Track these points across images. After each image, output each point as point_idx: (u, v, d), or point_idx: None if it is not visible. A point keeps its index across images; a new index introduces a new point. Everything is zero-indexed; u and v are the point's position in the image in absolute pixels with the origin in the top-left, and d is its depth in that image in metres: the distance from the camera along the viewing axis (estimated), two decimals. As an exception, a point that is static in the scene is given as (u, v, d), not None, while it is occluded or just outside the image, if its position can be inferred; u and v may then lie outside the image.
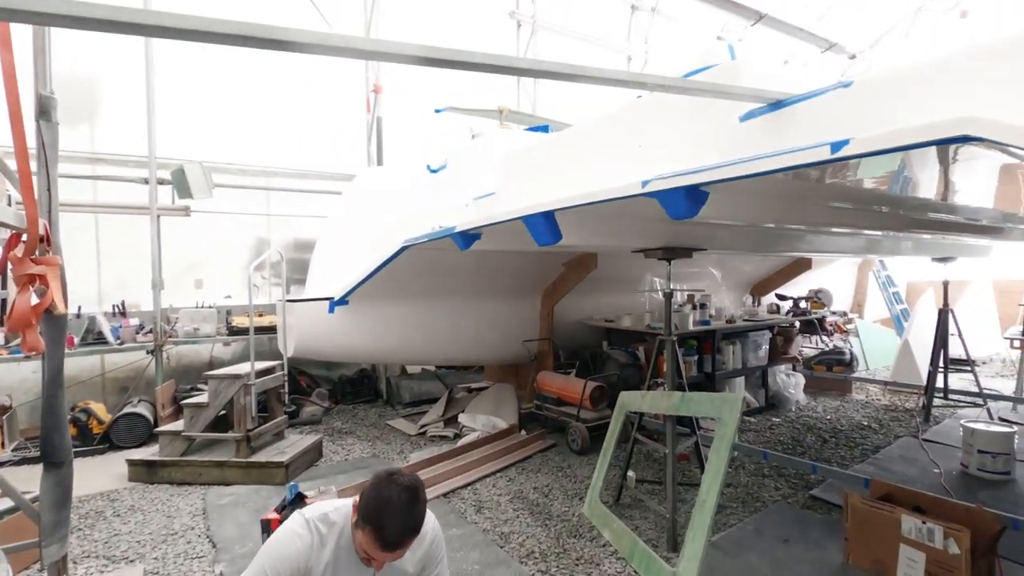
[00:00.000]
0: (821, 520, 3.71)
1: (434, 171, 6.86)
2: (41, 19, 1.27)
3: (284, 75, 7.68)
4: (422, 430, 5.87)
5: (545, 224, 3.04)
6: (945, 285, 6.06)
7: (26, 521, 2.95)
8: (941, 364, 6.05)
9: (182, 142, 6.79)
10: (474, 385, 7.02)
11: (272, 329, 6.18)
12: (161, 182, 6.29)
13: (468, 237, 3.90)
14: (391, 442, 5.61)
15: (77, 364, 6.10)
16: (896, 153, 1.68)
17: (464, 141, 6.65)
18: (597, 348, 6.38)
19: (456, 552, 3.33)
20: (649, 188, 2.31)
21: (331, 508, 1.69)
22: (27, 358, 5.32)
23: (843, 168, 2.47)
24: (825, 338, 8.48)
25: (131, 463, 4.70)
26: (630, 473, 4.06)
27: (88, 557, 3.37)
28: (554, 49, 10.70)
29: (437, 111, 7.82)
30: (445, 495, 4.22)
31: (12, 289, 2.75)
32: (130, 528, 3.76)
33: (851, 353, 7.71)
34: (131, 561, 3.32)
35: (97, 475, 4.75)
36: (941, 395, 6.19)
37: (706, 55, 3.42)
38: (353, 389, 7.44)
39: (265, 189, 7.74)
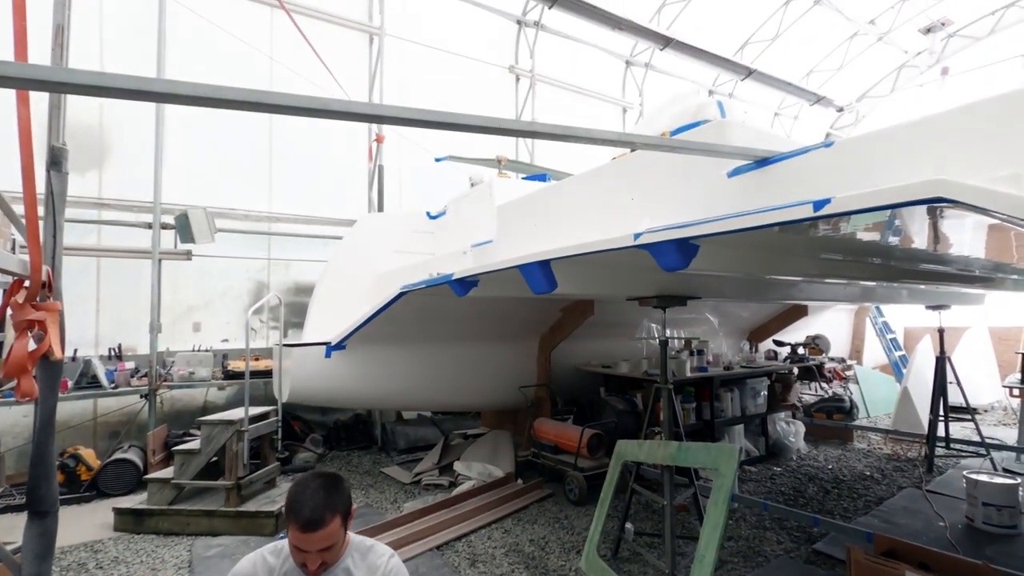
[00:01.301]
0: (825, 576, 3.61)
1: (433, 217, 7.01)
2: (66, 88, 1.34)
3: (288, 123, 7.94)
4: (417, 478, 5.75)
5: (541, 273, 3.09)
6: (941, 333, 6.07)
7: (6, 573, 2.87)
8: (941, 412, 6.00)
9: (186, 187, 6.94)
10: (470, 431, 6.92)
11: (268, 373, 6.15)
12: (165, 227, 6.39)
13: (465, 284, 3.95)
14: (384, 490, 5.49)
15: (69, 408, 6.03)
16: (879, 211, 1.75)
17: (463, 189, 6.81)
18: (594, 394, 6.33)
19: (448, 609, 3.22)
20: (641, 240, 2.37)
21: (271, 546, 1.72)
22: (18, 403, 5.27)
23: (833, 221, 2.54)
24: (824, 385, 8.43)
25: (118, 512, 4.58)
26: (628, 525, 3.96)
27: (67, 613, 3.25)
28: (552, 100, 11.09)
29: (437, 160, 8.03)
30: (439, 547, 4.11)
31: (10, 334, 2.77)
32: (112, 582, 3.64)
33: (851, 400, 7.66)
34: (111, 617, 3.20)
35: (82, 524, 4.62)
36: (943, 444, 6.11)
37: (696, 111, 3.57)
38: (348, 435, 7.33)
39: (267, 234, 7.85)
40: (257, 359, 6.65)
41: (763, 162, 2.38)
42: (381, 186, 8.33)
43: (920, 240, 2.94)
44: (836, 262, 3.46)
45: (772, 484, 5.55)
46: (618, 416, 5.59)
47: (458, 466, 5.70)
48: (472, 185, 6.68)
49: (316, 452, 6.65)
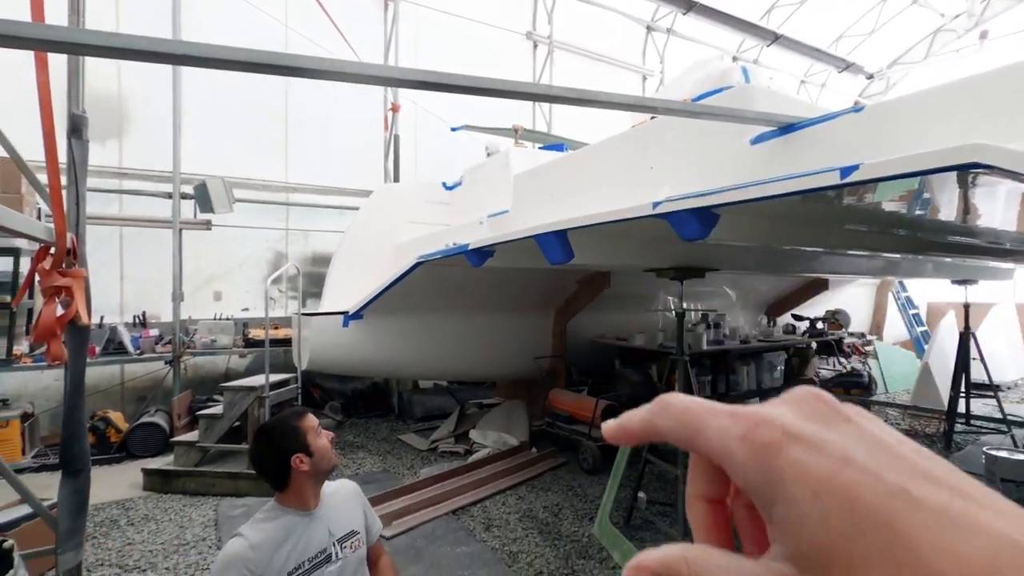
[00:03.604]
0: (837, 547, 3.63)
1: (449, 188, 6.97)
2: (82, 50, 1.34)
3: (303, 94, 7.90)
4: (433, 445, 5.87)
5: (558, 243, 3.07)
6: (966, 308, 5.94)
7: (43, 527, 3.01)
8: (963, 389, 5.92)
9: (205, 157, 6.98)
10: (486, 401, 7.01)
11: (287, 342, 6.26)
12: (184, 196, 6.45)
13: (481, 254, 3.94)
14: (402, 457, 5.62)
15: (97, 373, 6.22)
16: (909, 178, 1.69)
17: (479, 159, 6.74)
18: (609, 366, 6.34)
19: (464, 570, 3.32)
20: (660, 209, 2.33)
21: (251, 520, 1.76)
22: (49, 367, 5.45)
23: (858, 190, 2.47)
24: (843, 360, 8.34)
25: (146, 472, 4.77)
26: (641, 494, 4.01)
27: (102, 565, 3.42)
28: (570, 68, 10.84)
29: (453, 129, 7.94)
30: (454, 512, 4.21)
31: (39, 300, 2.85)
32: (143, 537, 3.81)
33: (869, 376, 7.58)
34: (143, 570, 3.35)
35: (114, 483, 4.82)
36: (963, 421, 6.04)
37: (720, 77, 3.46)
38: (365, 403, 7.48)
39: (284, 204, 7.89)
40: (276, 328, 6.76)
41: (788, 128, 2.30)
42: (397, 156, 8.27)
43: (949, 211, 2.85)
44: (860, 233, 3.37)
45: (786, 457, 5.55)
46: (633, 388, 5.60)
47: (473, 434, 5.79)
48: (488, 155, 6.61)
49: (335, 419, 6.81)
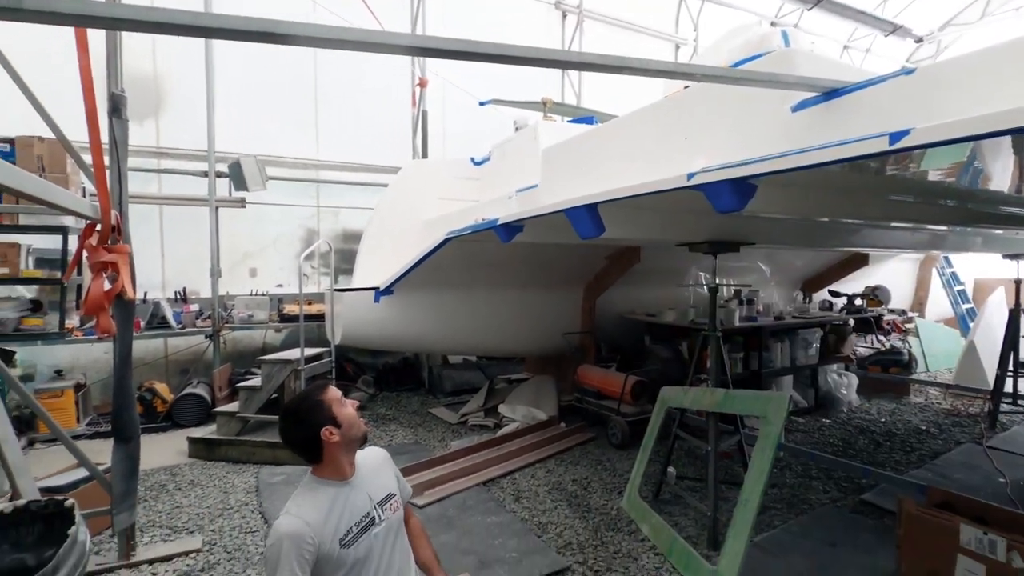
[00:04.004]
0: (872, 526, 3.58)
1: (478, 163, 6.93)
2: (118, 24, 1.36)
3: (334, 71, 7.92)
4: (463, 419, 5.97)
5: (588, 217, 3.03)
6: (1017, 284, 5.67)
7: (99, 490, 3.19)
8: (1011, 367, 5.69)
9: (239, 136, 7.10)
10: (514, 376, 7.07)
11: (320, 317, 6.40)
12: (219, 175, 6.59)
13: (511, 229, 3.93)
14: (432, 429, 5.73)
15: (143, 347, 6.49)
16: (963, 144, 1.60)
17: (508, 134, 6.67)
18: (639, 342, 6.30)
19: (495, 539, 3.39)
20: (695, 181, 2.27)
21: (292, 496, 1.78)
22: (99, 340, 5.70)
23: (905, 159, 2.35)
24: (882, 338, 8.09)
25: (191, 440, 4.99)
26: (670, 469, 4.01)
27: (153, 526, 3.61)
28: (600, 38, 10.55)
29: (481, 104, 7.86)
30: (485, 483, 4.29)
31: (87, 276, 2.97)
32: (190, 501, 4.00)
33: (910, 354, 7.34)
34: (191, 532, 3.53)
35: (161, 450, 5.06)
36: (1010, 400, 5.82)
37: (759, 42, 3.31)
38: (396, 377, 7.62)
39: (315, 182, 8.00)
40: (310, 303, 6.91)
41: (832, 94, 2.19)
42: (425, 132, 8.25)
43: (1003, 180, 2.70)
44: (905, 204, 3.23)
45: (820, 435, 5.46)
46: (663, 364, 5.56)
47: (503, 408, 5.86)
48: (517, 129, 6.53)
49: (368, 392, 6.97)
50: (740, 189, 2.10)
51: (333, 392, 1.83)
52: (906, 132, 1.57)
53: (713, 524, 3.31)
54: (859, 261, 7.61)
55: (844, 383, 6.49)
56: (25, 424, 5.34)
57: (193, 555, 3.25)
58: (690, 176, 2.29)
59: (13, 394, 5.19)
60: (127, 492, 3.07)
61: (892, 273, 8.87)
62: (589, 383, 5.69)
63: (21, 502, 1.58)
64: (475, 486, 4.22)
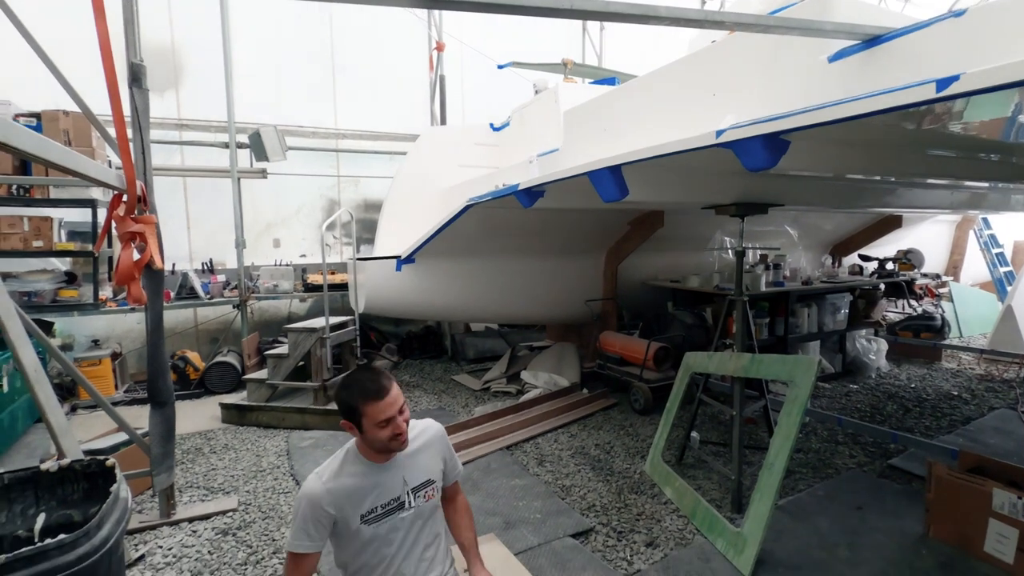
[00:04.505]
0: (899, 490, 3.54)
1: (497, 129, 6.82)
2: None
3: (350, 38, 7.80)
4: (486, 386, 6.03)
5: (611, 179, 2.96)
6: (1061, 244, 5.43)
7: (138, 453, 3.32)
8: (1050, 332, 5.50)
9: (258, 106, 7.10)
10: (536, 344, 7.09)
11: (344, 286, 6.47)
12: (240, 146, 6.61)
13: (532, 194, 3.87)
14: (456, 395, 5.81)
15: (173, 316, 6.67)
16: (1013, 91, 1.50)
17: (527, 98, 6.52)
18: (662, 309, 6.24)
19: (519, 501, 3.45)
20: (724, 138, 2.19)
21: (331, 457, 1.79)
22: (132, 310, 5.87)
23: (947, 111, 2.23)
24: (913, 302, 7.87)
25: (223, 406, 5.15)
26: (694, 434, 4.01)
27: (191, 487, 3.76)
28: (622, -4, 10.15)
29: (500, 67, 7.68)
30: (508, 447, 4.35)
31: (117, 248, 3.02)
32: (225, 464, 4.15)
33: (942, 319, 7.13)
34: (227, 492, 3.67)
35: (195, 416, 5.24)
36: (1047, 365, 5.65)
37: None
38: (420, 345, 7.72)
39: (334, 151, 7.98)
40: (333, 273, 6.99)
41: (873, 41, 2.07)
42: (443, 98, 8.12)
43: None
44: (945, 160, 3.08)
45: (847, 400, 5.39)
46: (686, 330, 5.51)
47: (525, 375, 5.90)
48: (536, 92, 6.38)
49: (391, 360, 7.08)
50: (772, 145, 2.02)
51: (377, 408, 1.65)
52: (955, 78, 1.47)
53: (737, 488, 3.31)
54: (892, 223, 7.36)
55: (873, 348, 6.37)
56: (67, 391, 5.57)
57: (230, 514, 3.38)
58: (719, 133, 2.20)
59: (54, 362, 5.40)
60: (165, 454, 3.19)
61: (926, 236, 8.57)
62: (611, 349, 5.68)
63: (66, 461, 1.64)
64: (498, 450, 4.28)
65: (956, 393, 5.55)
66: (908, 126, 2.20)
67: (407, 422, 1.74)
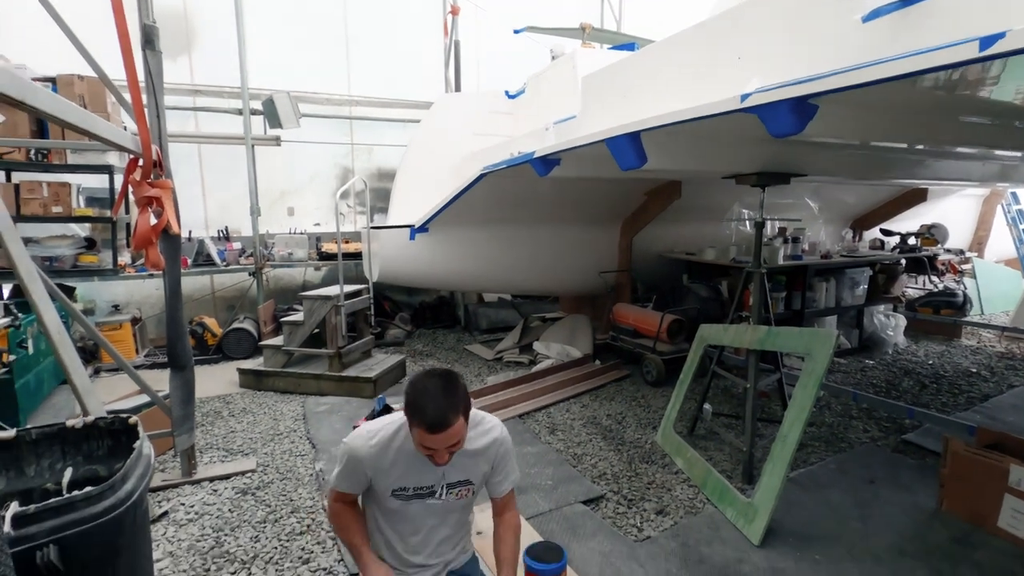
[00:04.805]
0: (913, 465, 3.53)
1: (512, 96, 6.69)
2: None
3: (364, 2, 7.66)
4: (498, 355, 6.07)
5: (630, 147, 2.89)
6: (1094, 220, 5.25)
7: (160, 415, 3.40)
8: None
9: (271, 72, 7.03)
10: (549, 315, 7.09)
11: (358, 255, 6.49)
12: (254, 112, 6.57)
13: (547, 163, 3.81)
14: (469, 365, 5.86)
15: (190, 283, 6.75)
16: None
17: (544, 64, 6.36)
18: (676, 282, 6.19)
19: (531, 468, 3.50)
20: (749, 103, 2.11)
21: (389, 419, 1.77)
22: (150, 276, 5.94)
23: (987, 73, 2.13)
24: (935, 278, 7.72)
25: (241, 371, 5.24)
26: (706, 406, 4.01)
27: (211, 448, 3.86)
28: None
29: (516, 32, 7.49)
30: (520, 416, 4.40)
31: (135, 214, 3.04)
32: (243, 427, 4.25)
33: (964, 295, 7.00)
34: (246, 454, 3.76)
35: (214, 380, 5.35)
36: (1071, 344, 5.54)
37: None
38: (433, 315, 7.76)
39: (348, 118, 7.90)
40: (347, 242, 7.00)
41: None
42: (458, 64, 7.95)
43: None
44: (979, 128, 2.96)
45: (863, 376, 5.34)
46: (701, 303, 5.46)
47: (537, 346, 5.92)
48: (553, 59, 6.23)
49: (405, 329, 7.13)
50: (800, 109, 1.95)
51: (429, 437, 1.53)
52: (1000, 35, 1.39)
53: (749, 459, 3.32)
54: (917, 197, 7.15)
55: (891, 324, 6.28)
56: (89, 355, 5.70)
57: (249, 474, 3.47)
58: (744, 97, 2.13)
59: (77, 327, 5.52)
60: (185, 416, 3.26)
61: (951, 210, 8.34)
62: (625, 321, 5.66)
63: (90, 418, 1.68)
64: (511, 419, 4.32)
65: (975, 370, 5.48)
66: (942, 90, 2.11)
67: (452, 454, 1.63)
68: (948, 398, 4.75)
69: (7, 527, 1.12)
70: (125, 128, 5.62)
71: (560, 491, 3.22)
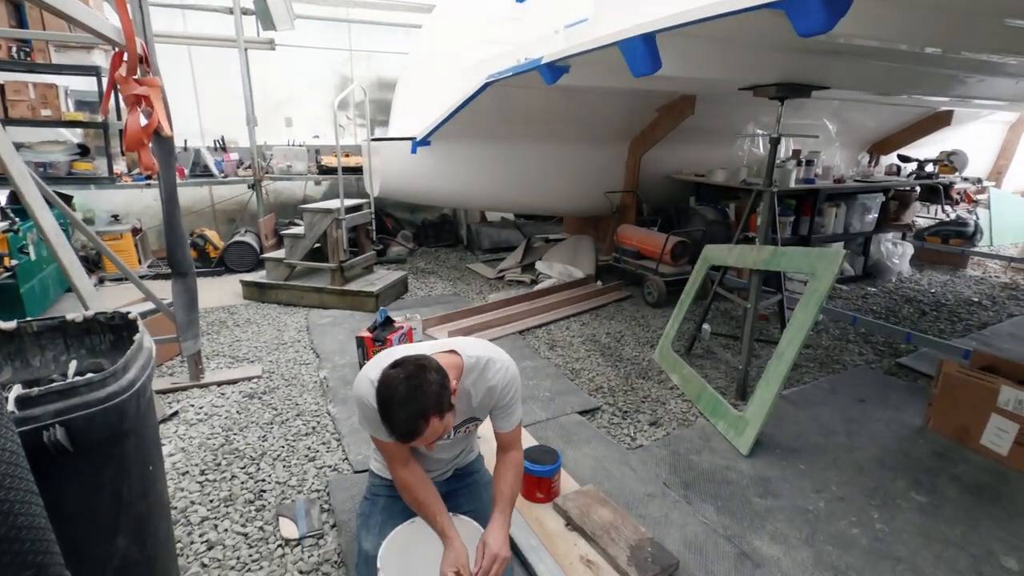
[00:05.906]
0: (905, 386, 3.60)
1: (521, 0, 6.23)
2: None
3: None
4: (500, 274, 6.07)
5: (644, 50, 2.71)
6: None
7: (165, 322, 3.45)
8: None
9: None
10: (552, 236, 7.03)
11: (358, 170, 6.33)
12: (245, 12, 6.16)
13: (556, 70, 3.61)
14: (471, 283, 5.88)
15: (189, 194, 6.64)
16: None
17: (555, -38, 5.88)
18: (683, 204, 6.07)
19: (529, 380, 3.58)
20: (777, -5, 1.94)
21: (388, 358, 1.67)
22: (148, 185, 5.84)
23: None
24: (948, 207, 7.56)
25: (244, 284, 5.27)
26: (705, 326, 4.04)
27: (217, 355, 3.95)
28: None
29: (526, -75, 6.85)
30: (520, 332, 4.45)
31: (125, 119, 2.91)
32: (248, 336, 4.32)
33: (976, 225, 6.87)
34: (252, 361, 3.85)
35: (218, 292, 5.40)
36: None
37: None
38: (435, 233, 7.70)
39: (346, 21, 7.44)
40: (347, 155, 6.81)
41: None
42: (462, -37, 7.37)
43: None
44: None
45: (863, 302, 5.36)
46: (707, 225, 5.38)
47: (539, 265, 5.91)
48: (566, -44, 5.73)
49: (407, 247, 7.11)
50: (832, 2, 1.79)
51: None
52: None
53: (744, 377, 3.39)
54: (940, 121, 6.84)
55: (897, 252, 6.22)
56: (93, 264, 5.71)
57: (255, 380, 3.57)
58: (772, -10, 1.96)
59: (79, 235, 5.50)
60: (190, 322, 3.30)
61: (974, 137, 8.02)
62: (628, 243, 5.61)
63: (90, 313, 1.68)
64: (511, 334, 4.38)
65: (976, 300, 5.48)
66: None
67: (441, 437, 1.57)
68: (946, 325, 4.79)
69: (11, 407, 1.14)
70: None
71: (557, 402, 3.32)
